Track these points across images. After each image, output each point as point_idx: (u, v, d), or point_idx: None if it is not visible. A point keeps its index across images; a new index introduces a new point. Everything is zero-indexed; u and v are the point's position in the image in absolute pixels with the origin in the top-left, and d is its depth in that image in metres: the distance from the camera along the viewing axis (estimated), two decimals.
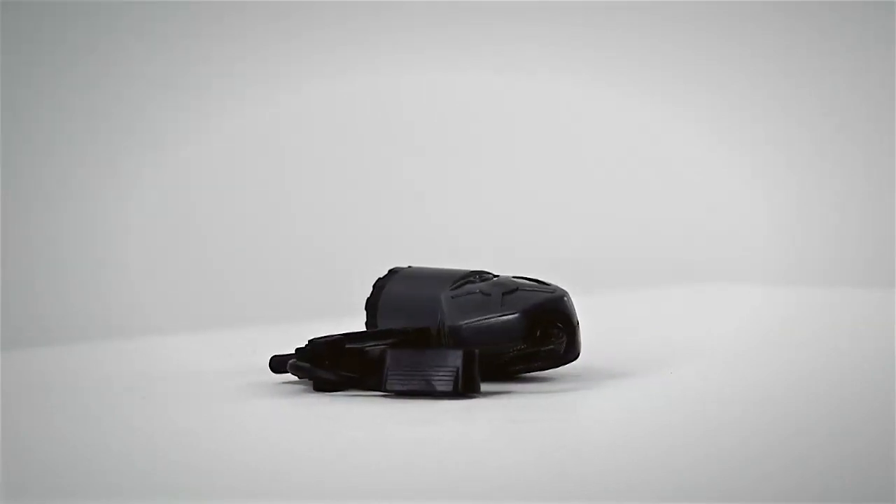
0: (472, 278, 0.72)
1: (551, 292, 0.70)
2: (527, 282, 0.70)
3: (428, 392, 0.66)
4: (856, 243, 1.34)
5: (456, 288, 0.71)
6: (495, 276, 0.72)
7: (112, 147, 1.40)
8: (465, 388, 0.66)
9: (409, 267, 0.76)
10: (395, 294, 0.74)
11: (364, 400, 0.66)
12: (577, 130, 1.43)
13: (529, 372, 0.70)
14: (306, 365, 0.69)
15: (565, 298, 0.69)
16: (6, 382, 0.76)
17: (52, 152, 1.42)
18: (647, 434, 0.58)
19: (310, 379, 0.69)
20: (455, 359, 0.66)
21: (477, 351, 0.67)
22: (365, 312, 0.74)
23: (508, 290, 0.69)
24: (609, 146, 1.42)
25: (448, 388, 0.66)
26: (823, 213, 1.36)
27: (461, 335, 0.69)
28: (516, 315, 0.68)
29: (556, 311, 0.69)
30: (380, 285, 0.74)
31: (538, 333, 0.68)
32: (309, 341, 0.70)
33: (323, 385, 0.69)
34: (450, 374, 0.66)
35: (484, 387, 0.67)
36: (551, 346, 0.68)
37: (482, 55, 1.40)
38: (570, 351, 0.69)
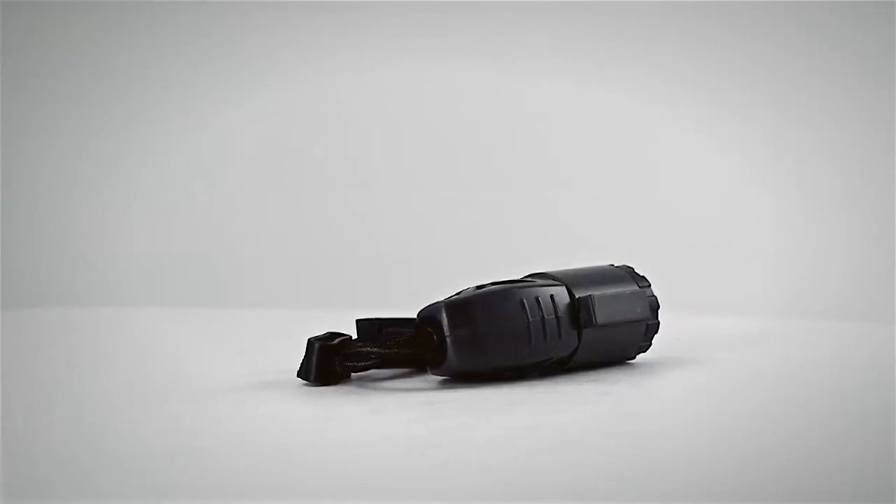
0: (531, 278, 0.70)
1: (453, 297, 0.66)
2: (533, 286, 0.68)
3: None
4: (857, 276, 1.33)
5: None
6: (549, 279, 0.70)
7: (138, 127, 1.41)
8: (317, 378, 0.68)
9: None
10: None
11: (366, 400, 0.66)
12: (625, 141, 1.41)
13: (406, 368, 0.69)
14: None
15: (454, 306, 0.65)
16: (7, 381, 0.76)
17: (56, 140, 1.42)
18: (647, 433, 0.58)
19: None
20: (312, 351, 0.68)
21: (326, 344, 0.68)
22: None
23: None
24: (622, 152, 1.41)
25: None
26: (825, 246, 1.34)
27: None
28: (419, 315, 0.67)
29: (429, 318, 0.66)
30: None
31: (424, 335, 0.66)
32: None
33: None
34: (307, 363, 0.68)
35: (484, 387, 0.67)
36: (408, 350, 0.66)
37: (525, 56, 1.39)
38: (441, 358, 0.66)
